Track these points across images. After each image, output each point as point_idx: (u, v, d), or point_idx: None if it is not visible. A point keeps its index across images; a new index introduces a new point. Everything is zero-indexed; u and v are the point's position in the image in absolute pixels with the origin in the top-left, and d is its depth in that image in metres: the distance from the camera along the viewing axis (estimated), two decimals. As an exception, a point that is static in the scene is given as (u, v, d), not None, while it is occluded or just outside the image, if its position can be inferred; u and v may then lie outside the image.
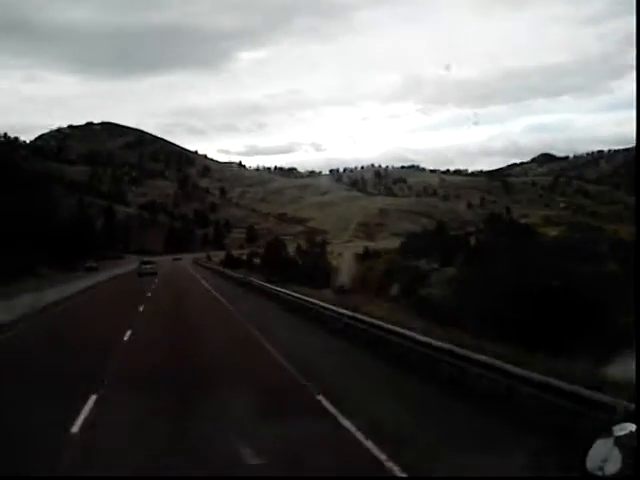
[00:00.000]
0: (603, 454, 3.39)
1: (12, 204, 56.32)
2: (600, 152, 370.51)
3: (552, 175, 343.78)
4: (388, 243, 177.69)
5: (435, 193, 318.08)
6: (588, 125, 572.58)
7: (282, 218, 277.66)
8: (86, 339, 18.63)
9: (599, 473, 3.38)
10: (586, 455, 3.51)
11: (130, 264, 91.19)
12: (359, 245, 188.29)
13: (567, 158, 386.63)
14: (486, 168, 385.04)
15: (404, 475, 7.10)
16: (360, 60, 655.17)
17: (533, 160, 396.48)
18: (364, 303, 22.56)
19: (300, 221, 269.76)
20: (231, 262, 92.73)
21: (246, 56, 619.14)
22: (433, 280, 75.46)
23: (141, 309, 27.43)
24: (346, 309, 18.74)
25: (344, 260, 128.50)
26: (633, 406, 6.20)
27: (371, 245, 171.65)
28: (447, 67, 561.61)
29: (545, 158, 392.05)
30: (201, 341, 18.48)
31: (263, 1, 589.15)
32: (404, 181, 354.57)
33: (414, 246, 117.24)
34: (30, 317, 24.94)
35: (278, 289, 30.56)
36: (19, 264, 48.41)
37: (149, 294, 35.91)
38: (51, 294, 33.02)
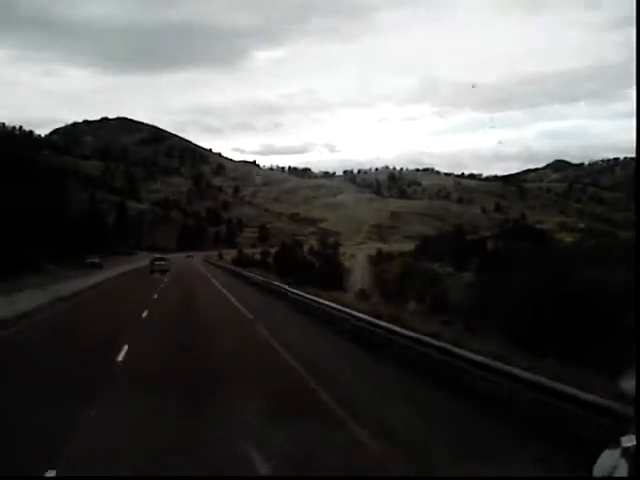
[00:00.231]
0: (611, 464, 3.32)
1: (25, 197, 54.81)
2: (615, 159, 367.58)
3: (567, 181, 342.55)
4: (401, 246, 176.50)
5: (448, 196, 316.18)
6: (603, 132, 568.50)
7: (294, 218, 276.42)
8: (60, 366, 13.58)
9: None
10: (593, 464, 3.45)
11: (140, 260, 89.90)
12: (372, 247, 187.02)
13: (582, 165, 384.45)
14: (500, 173, 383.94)
15: (406, 475, 7.03)
16: (378, 61, 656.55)
17: (547, 166, 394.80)
18: (393, 311, 20.34)
19: (312, 222, 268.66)
20: (243, 261, 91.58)
21: (263, 55, 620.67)
22: (449, 284, 74.28)
23: (144, 315, 23.87)
24: (389, 322, 15.41)
25: (357, 262, 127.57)
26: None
27: (384, 247, 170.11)
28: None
29: (560, 164, 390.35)
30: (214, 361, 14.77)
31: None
32: (418, 184, 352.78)
33: (429, 249, 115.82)
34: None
35: (297, 292, 27.32)
36: (25, 259, 47.32)
37: (155, 296, 33.01)
38: (43, 295, 27.96)
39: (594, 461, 3.42)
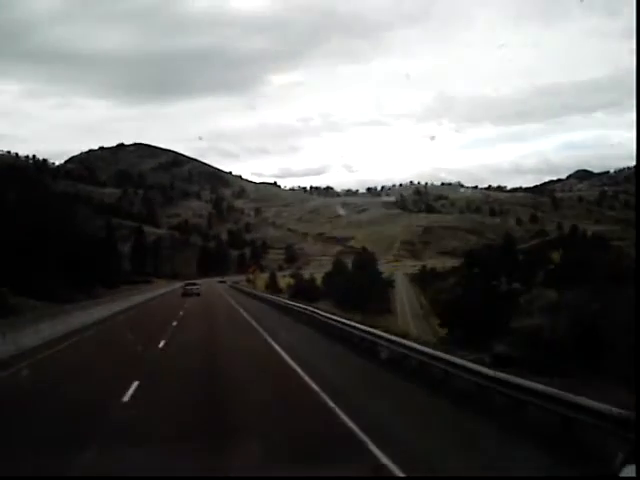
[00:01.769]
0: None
1: (28, 225, 52.64)
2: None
3: (593, 190, 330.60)
4: (437, 262, 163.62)
5: (479, 210, 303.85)
6: (622, 141, 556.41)
7: (321, 238, 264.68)
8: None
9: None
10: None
11: (155, 290, 78.12)
12: (407, 264, 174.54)
13: (607, 173, 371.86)
14: (524, 185, 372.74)
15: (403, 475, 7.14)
16: (392, 80, 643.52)
17: (570, 176, 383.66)
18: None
19: (339, 240, 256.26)
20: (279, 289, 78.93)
21: (277, 79, 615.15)
22: (528, 306, 61.27)
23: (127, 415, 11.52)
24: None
25: (398, 281, 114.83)
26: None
27: (420, 264, 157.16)
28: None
29: (583, 174, 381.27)
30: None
31: (294, 24, 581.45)
32: (445, 198, 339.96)
33: (479, 264, 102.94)
34: None
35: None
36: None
37: (146, 381, 14.75)
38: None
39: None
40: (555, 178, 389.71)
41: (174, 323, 30.99)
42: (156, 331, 25.81)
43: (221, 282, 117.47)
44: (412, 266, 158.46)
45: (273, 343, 21.76)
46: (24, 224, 52.65)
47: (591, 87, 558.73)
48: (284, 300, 45.33)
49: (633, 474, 3.47)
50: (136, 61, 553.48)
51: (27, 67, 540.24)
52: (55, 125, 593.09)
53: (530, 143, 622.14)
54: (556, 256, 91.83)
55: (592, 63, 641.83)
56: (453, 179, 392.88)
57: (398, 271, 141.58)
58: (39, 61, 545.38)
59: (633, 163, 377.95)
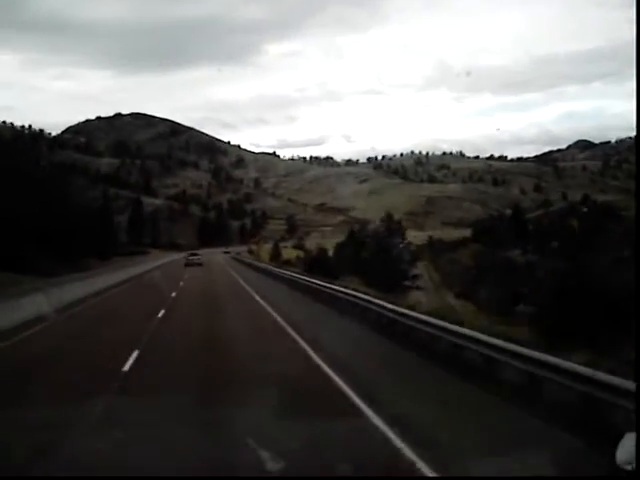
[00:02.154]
0: (632, 448, 3.41)
1: (19, 197, 50.26)
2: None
3: (594, 160, 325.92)
4: (443, 233, 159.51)
5: (481, 179, 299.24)
6: (621, 111, 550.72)
7: (321, 208, 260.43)
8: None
9: (628, 467, 3.41)
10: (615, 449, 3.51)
11: (151, 261, 74.23)
12: (412, 235, 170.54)
13: (609, 143, 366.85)
14: (523, 155, 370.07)
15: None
16: (391, 49, 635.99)
17: (570, 147, 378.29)
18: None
19: (341, 210, 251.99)
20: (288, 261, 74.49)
21: (274, 49, 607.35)
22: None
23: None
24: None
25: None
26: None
27: (418, 234, 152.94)
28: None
29: (584, 144, 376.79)
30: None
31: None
32: (447, 167, 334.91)
33: (489, 234, 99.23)
34: None
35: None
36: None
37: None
38: None
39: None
40: (555, 148, 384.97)
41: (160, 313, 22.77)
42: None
43: (226, 252, 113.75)
44: (414, 237, 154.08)
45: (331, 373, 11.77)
46: (9, 195, 48.97)
47: (589, 57, 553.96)
48: (302, 277, 34.38)
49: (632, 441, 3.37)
50: (134, 31, 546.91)
51: (24, 37, 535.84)
52: (53, 96, 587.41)
53: (530, 113, 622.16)
54: (574, 224, 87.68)
55: (590, 33, 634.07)
56: (454, 149, 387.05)
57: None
58: (36, 31, 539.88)
59: (634, 133, 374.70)
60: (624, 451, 3.41)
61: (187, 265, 66.41)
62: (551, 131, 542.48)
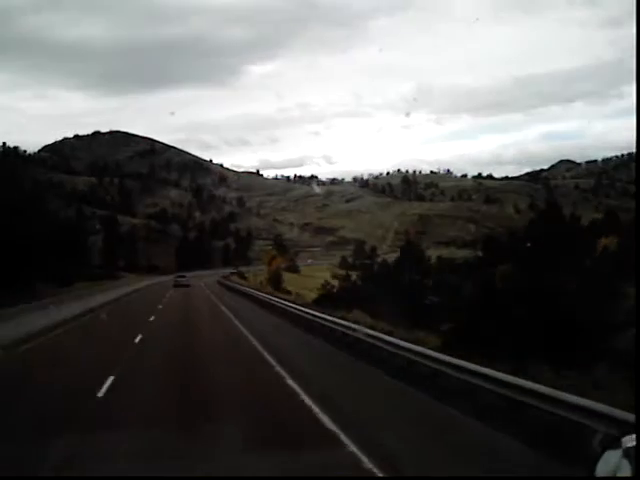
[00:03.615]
0: (613, 465, 3.33)
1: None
2: (630, 154, 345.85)
3: (580, 179, 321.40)
4: (439, 252, 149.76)
5: (471, 198, 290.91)
6: (602, 131, 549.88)
7: (308, 228, 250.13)
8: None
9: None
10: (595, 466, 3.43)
11: (120, 288, 63.27)
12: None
13: (595, 162, 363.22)
14: (508, 175, 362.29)
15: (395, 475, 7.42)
16: (371, 71, 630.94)
17: (553, 167, 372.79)
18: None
19: (329, 230, 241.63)
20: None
21: (256, 70, 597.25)
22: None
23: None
24: None
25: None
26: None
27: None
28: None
29: (567, 164, 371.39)
30: None
31: (272, 13, 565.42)
32: (435, 186, 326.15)
33: (500, 253, 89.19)
34: None
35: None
36: None
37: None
38: None
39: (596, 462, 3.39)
40: (538, 168, 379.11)
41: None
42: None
43: (233, 273, 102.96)
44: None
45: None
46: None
47: (570, 77, 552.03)
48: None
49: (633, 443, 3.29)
50: (113, 52, 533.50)
51: (1, 57, 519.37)
52: (30, 117, 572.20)
53: (510, 134, 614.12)
54: (605, 242, 77.92)
55: (570, 53, 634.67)
56: (437, 169, 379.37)
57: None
58: (14, 51, 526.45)
59: (616, 153, 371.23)
60: (604, 468, 3.24)
61: (176, 286, 71.86)
62: (531, 151, 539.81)
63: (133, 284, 78.04)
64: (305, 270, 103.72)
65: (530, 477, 6.76)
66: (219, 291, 66.28)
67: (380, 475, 7.76)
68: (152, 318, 32.38)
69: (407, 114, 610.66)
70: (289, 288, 72.10)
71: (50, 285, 53.86)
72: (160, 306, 42.24)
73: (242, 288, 60.50)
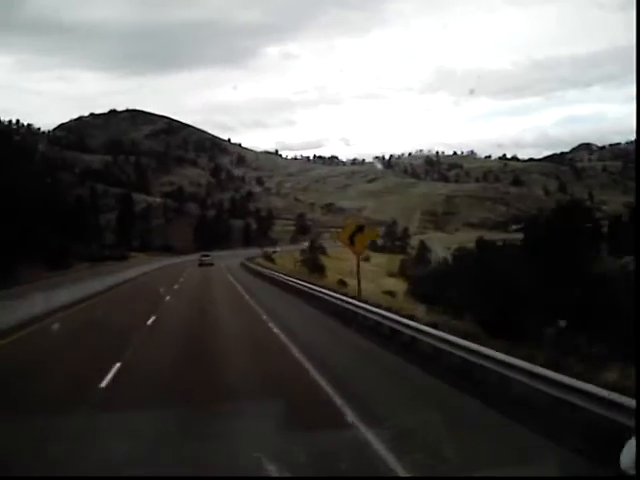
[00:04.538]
0: (634, 454, 3.41)
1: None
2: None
3: (598, 163, 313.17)
4: (471, 235, 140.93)
5: (498, 179, 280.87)
6: (621, 116, 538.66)
7: (330, 208, 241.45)
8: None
9: (632, 472, 3.43)
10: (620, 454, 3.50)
11: (122, 272, 52.76)
12: (435, 237, 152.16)
13: (618, 144, 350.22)
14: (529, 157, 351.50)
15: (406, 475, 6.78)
16: (390, 53, 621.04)
17: (573, 150, 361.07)
18: None
19: (351, 211, 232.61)
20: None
21: (274, 51, 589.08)
22: None
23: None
24: None
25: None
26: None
27: (450, 238, 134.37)
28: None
29: (586, 147, 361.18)
30: None
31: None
32: (460, 167, 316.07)
33: (555, 237, 79.95)
34: None
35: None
36: None
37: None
38: None
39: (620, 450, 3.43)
40: (559, 152, 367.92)
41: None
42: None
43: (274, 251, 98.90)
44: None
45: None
46: None
47: (589, 60, 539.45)
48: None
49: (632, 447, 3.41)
50: (131, 33, 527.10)
51: (20, 38, 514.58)
52: (47, 97, 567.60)
53: (530, 117, 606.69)
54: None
55: (589, 37, 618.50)
56: (458, 151, 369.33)
57: (435, 245, 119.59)
58: (32, 32, 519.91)
59: (629, 138, 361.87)
60: (628, 456, 3.35)
61: (200, 265, 73.77)
62: (551, 134, 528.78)
63: (142, 265, 67.92)
64: (332, 252, 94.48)
65: (530, 477, 5.94)
66: (248, 281, 47.51)
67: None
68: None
69: (425, 96, 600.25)
70: (334, 276, 59.99)
71: (39, 268, 45.50)
72: (152, 318, 23.37)
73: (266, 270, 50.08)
